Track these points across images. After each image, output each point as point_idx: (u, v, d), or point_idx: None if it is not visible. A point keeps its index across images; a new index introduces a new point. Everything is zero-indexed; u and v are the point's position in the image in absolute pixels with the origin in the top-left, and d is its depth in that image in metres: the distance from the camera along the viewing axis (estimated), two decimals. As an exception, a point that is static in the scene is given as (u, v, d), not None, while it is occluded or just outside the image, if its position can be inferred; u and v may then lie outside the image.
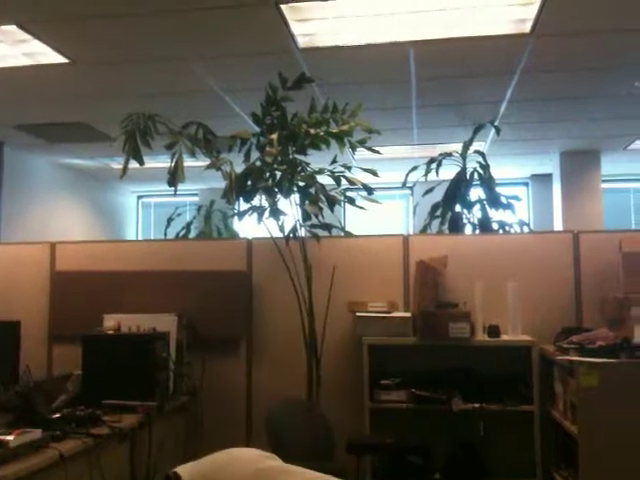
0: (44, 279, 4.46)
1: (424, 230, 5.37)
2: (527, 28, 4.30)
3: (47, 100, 5.76)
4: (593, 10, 4.06)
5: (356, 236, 4.40)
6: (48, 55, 4.62)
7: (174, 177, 4.17)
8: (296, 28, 4.26)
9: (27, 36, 4.29)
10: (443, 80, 5.37)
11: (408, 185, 5.50)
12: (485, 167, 5.22)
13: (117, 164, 7.80)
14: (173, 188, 4.16)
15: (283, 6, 3.91)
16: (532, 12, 4.06)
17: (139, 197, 10.87)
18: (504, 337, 3.81)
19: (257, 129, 4.18)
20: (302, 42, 4.48)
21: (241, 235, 5.92)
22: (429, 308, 3.85)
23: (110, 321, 3.68)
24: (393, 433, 3.40)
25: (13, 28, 4.17)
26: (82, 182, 9.00)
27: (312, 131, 4.04)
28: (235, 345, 4.27)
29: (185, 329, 3.79)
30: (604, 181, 8.40)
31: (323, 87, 4.90)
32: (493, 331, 3.79)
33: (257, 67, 4.81)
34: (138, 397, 3.12)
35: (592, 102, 6.06)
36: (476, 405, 3.63)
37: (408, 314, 3.91)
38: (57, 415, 2.72)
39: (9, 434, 2.30)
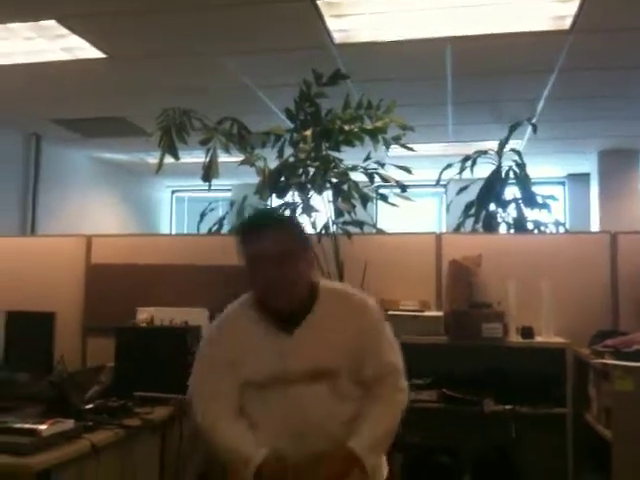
0: (79, 271, 4.51)
1: (458, 228, 5.30)
2: (566, 25, 4.22)
3: (84, 95, 5.84)
4: (635, 6, 3.96)
5: (388, 234, 4.37)
6: (86, 50, 4.69)
7: (208, 172, 4.19)
8: (332, 24, 4.24)
9: (66, 31, 4.36)
10: (480, 77, 5.31)
11: (442, 183, 5.44)
12: (521, 166, 5.13)
13: (152, 158, 7.88)
14: (207, 183, 4.19)
15: (319, 1, 3.90)
16: (572, 9, 3.99)
17: (173, 192, 10.97)
18: (538, 339, 3.75)
19: (291, 125, 4.18)
20: (338, 38, 4.47)
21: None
22: (462, 308, 3.81)
23: (143, 314, 3.71)
24: (422, 433, 3.37)
25: (52, 23, 4.24)
26: (117, 176, 9.12)
27: (346, 127, 4.02)
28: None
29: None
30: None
31: (358, 83, 4.87)
32: (527, 332, 3.74)
33: (292, 63, 4.80)
34: (170, 389, 3.14)
35: (631, 101, 5.94)
36: (508, 407, 3.58)
37: (440, 313, 3.87)
38: (90, 406, 2.74)
39: (42, 423, 2.33)
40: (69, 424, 2.42)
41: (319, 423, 1.89)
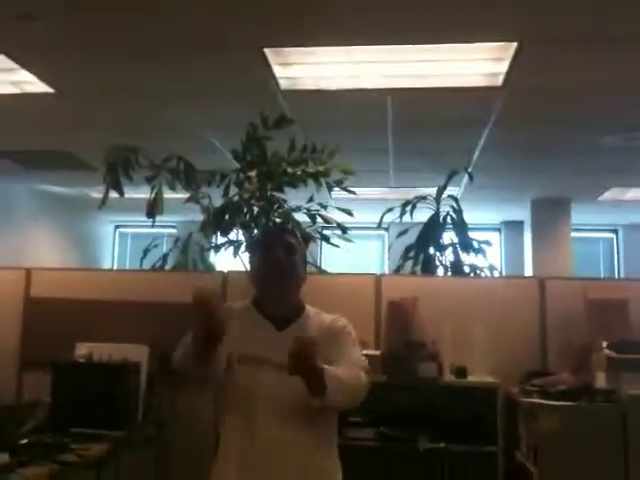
0: (18, 305, 4.43)
1: (397, 270, 5.45)
2: (499, 82, 4.48)
3: (29, 127, 5.81)
4: (560, 68, 4.27)
5: (329, 274, 4.48)
6: (34, 84, 4.70)
7: (153, 209, 4.24)
8: (279, 71, 4.39)
9: (14, 65, 4.37)
10: (419, 127, 5.54)
11: (383, 226, 5.60)
12: (458, 212, 5.34)
13: (96, 193, 7.83)
14: (151, 219, 4.23)
15: (267, 50, 4.04)
16: (503, 67, 4.26)
17: (116, 227, 10.88)
18: (471, 378, 3.87)
19: (237, 165, 4.28)
20: (284, 84, 4.61)
21: (218, 268, 5.94)
22: (398, 348, 3.91)
23: (82, 349, 3.68)
24: (360, 472, 3.42)
25: (1, 57, 4.25)
26: (60, 210, 9.01)
27: (290, 170, 4.14)
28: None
29: (157, 361, 3.79)
30: (574, 230, 8.61)
31: (303, 127, 5.02)
32: (460, 372, 3.86)
33: (240, 106, 4.92)
34: (106, 426, 3.13)
35: (563, 153, 6.27)
36: (442, 445, 3.68)
37: (377, 352, 3.97)
38: (25, 441, 2.72)
39: (-25, 458, 2.31)
40: (3, 458, 2.41)
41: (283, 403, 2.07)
